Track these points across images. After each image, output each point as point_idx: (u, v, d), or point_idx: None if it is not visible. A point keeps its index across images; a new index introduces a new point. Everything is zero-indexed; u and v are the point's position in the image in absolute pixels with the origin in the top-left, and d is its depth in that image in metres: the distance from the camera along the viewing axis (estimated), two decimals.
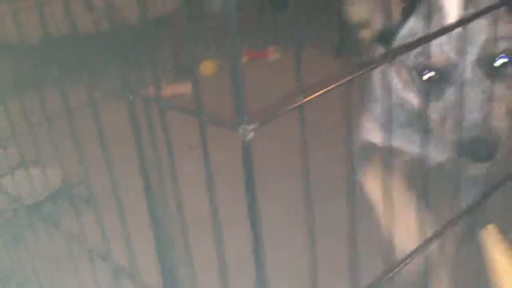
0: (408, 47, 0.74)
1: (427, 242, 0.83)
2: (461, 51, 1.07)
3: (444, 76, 1.11)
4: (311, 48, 3.41)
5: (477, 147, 1.01)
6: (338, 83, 0.63)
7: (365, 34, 1.20)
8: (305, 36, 3.49)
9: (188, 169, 1.57)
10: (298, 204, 0.71)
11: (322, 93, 0.61)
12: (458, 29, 1.02)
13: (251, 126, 0.55)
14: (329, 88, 0.62)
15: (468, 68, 1.08)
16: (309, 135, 0.63)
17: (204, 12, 3.99)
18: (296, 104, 0.59)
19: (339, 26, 3.20)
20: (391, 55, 0.71)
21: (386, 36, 1.20)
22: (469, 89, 1.07)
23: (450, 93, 1.11)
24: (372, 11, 1.17)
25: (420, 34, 1.06)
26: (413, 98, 1.25)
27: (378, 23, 1.18)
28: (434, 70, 1.11)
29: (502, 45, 1.09)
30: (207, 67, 3.42)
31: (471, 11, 1.03)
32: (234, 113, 0.55)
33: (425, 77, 1.13)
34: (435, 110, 1.14)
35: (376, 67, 0.69)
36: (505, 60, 1.11)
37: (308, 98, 0.60)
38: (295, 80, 0.59)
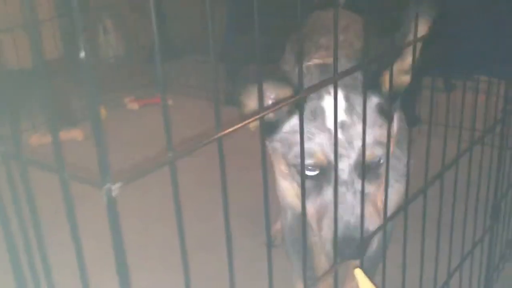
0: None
1: None
2: (340, 154, 1.11)
3: (323, 174, 1.15)
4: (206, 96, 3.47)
5: (348, 245, 1.07)
6: (208, 141, 0.64)
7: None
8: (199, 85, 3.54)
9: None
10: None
11: (193, 150, 0.62)
12: (341, 133, 1.13)
13: (116, 185, 0.54)
14: (199, 146, 0.63)
15: (346, 171, 1.13)
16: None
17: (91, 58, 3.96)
18: (165, 161, 0.59)
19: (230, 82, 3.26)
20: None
21: (269, 128, 1.21)
22: (345, 189, 1.13)
23: (327, 192, 1.15)
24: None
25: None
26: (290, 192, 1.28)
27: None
28: (315, 168, 1.15)
29: (377, 149, 1.15)
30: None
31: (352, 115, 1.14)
32: (98, 172, 0.54)
33: (309, 173, 1.15)
34: (314, 206, 1.17)
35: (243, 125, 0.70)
36: (377, 163, 1.17)
37: (179, 156, 0.60)
38: (165, 134, 0.59)
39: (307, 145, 1.11)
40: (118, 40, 4.52)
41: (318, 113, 1.15)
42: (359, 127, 1.12)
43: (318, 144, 1.13)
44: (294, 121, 1.17)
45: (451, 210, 1.35)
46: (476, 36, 2.71)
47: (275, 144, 1.22)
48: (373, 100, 1.17)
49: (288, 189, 1.29)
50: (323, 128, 1.14)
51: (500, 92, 1.70)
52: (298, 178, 1.19)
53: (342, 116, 1.13)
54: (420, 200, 1.13)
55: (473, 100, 1.42)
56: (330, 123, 1.13)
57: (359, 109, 1.13)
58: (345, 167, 1.12)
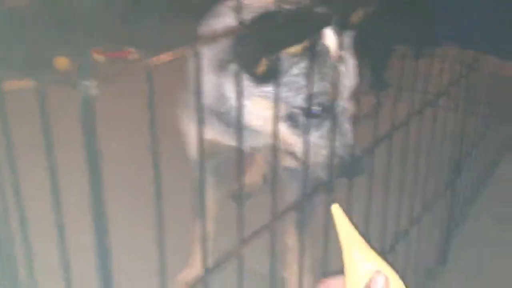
0: None
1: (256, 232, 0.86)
2: (340, 90, 1.21)
3: (327, 110, 1.21)
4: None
5: (355, 163, 1.16)
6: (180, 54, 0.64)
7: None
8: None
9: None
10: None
11: (170, 60, 0.61)
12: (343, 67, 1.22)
13: (93, 83, 0.53)
14: (175, 57, 0.63)
15: (343, 102, 1.23)
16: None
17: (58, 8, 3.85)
18: (144, 65, 0.58)
19: None
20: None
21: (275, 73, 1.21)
22: (342, 118, 1.23)
23: (327, 123, 1.22)
24: None
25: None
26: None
27: None
28: (323, 105, 1.21)
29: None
30: (61, 63, 3.31)
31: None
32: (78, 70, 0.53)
33: (315, 113, 1.21)
34: (311, 139, 1.23)
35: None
36: None
37: (155, 62, 0.59)
38: (146, 45, 0.59)
39: (321, 83, 1.18)
40: None
41: (324, 52, 1.20)
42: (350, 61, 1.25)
43: (331, 84, 1.19)
44: (303, 64, 1.19)
45: (415, 163, 1.38)
46: (446, 6, 2.75)
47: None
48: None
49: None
50: (330, 67, 1.20)
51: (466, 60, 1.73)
52: (301, 120, 1.22)
53: (338, 51, 1.20)
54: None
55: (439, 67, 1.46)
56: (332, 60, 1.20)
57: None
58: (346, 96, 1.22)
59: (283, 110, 1.23)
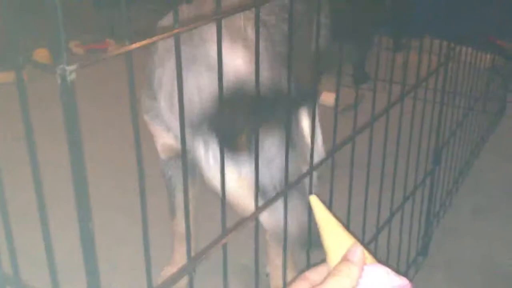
0: None
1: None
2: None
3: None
4: None
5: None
6: (166, 35, 0.63)
7: None
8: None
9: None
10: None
11: (149, 42, 0.60)
12: None
13: (71, 67, 0.52)
14: (154, 39, 0.61)
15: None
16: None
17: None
18: (123, 50, 0.57)
19: None
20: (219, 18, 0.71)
21: None
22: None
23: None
24: None
25: None
26: None
27: None
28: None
29: None
30: (42, 55, 3.28)
31: None
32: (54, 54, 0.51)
33: None
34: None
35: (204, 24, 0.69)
36: None
37: (135, 46, 0.58)
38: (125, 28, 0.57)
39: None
40: None
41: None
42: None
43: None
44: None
45: (395, 154, 1.38)
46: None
47: None
48: None
49: None
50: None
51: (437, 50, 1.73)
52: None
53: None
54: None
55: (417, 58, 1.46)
56: None
57: None
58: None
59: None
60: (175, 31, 0.63)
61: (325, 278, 0.69)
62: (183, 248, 1.62)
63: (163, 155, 1.55)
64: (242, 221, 0.84)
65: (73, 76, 0.52)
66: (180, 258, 1.73)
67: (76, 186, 0.55)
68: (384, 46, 3.02)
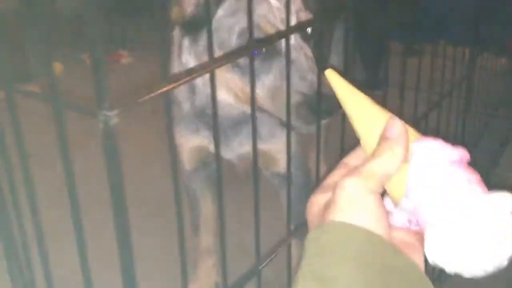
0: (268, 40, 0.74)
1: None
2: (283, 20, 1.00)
3: (271, 48, 1.12)
4: None
5: (319, 103, 0.98)
6: (196, 75, 0.62)
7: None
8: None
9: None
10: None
11: (187, 81, 0.60)
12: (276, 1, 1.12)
13: (113, 112, 0.51)
14: (193, 77, 0.61)
15: (292, 36, 1.10)
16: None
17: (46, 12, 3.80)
18: (161, 90, 0.57)
19: None
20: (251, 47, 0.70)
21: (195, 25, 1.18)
22: (296, 55, 1.10)
23: (279, 63, 1.12)
24: None
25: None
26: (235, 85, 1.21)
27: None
28: (262, 42, 1.09)
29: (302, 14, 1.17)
30: (54, 68, 3.29)
31: None
32: (95, 99, 0.51)
33: (255, 53, 1.07)
34: (264, 85, 1.14)
35: (237, 58, 0.69)
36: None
37: (174, 85, 0.58)
38: (160, 68, 0.57)
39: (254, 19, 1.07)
40: None
41: None
42: None
43: (261, 16, 1.10)
44: (226, 3, 1.14)
45: None
46: (438, 2, 2.75)
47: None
48: None
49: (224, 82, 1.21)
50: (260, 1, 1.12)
51: (457, 57, 1.71)
52: (242, 63, 1.13)
53: None
54: None
55: (431, 64, 1.43)
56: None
57: None
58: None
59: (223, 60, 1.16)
60: (211, 67, 0.63)
61: (364, 161, 0.60)
62: (206, 263, 1.62)
63: (188, 165, 1.52)
64: (276, 248, 0.84)
65: (115, 120, 0.52)
66: (205, 274, 1.72)
67: (118, 234, 0.55)
68: (396, 51, 2.99)
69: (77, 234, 0.60)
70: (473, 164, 1.82)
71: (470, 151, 1.65)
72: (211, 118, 1.15)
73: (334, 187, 0.59)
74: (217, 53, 1.08)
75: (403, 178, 0.59)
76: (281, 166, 1.39)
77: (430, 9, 2.71)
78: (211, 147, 1.37)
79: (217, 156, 0.71)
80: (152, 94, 0.55)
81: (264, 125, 1.35)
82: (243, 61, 1.10)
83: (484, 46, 2.00)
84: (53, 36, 0.50)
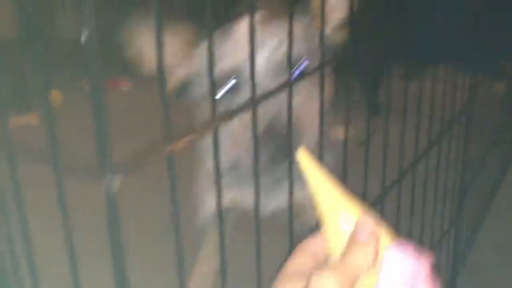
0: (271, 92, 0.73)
1: None
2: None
3: (237, 85, 1.09)
4: None
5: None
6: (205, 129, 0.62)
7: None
8: None
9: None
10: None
11: (191, 139, 0.59)
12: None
13: (117, 176, 0.51)
14: (194, 139, 0.61)
15: (262, 66, 1.07)
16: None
17: (47, 38, 3.82)
18: (166, 152, 0.56)
19: None
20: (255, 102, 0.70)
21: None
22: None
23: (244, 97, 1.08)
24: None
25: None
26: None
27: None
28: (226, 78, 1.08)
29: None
30: (53, 97, 3.28)
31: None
32: (98, 162, 0.51)
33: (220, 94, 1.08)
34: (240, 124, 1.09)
35: (241, 112, 0.68)
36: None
37: (178, 146, 0.57)
38: (162, 126, 0.57)
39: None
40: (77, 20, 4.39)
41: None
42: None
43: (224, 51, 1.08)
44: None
45: (422, 200, 1.36)
46: (437, 25, 2.76)
47: None
48: None
49: None
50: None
51: (457, 80, 1.70)
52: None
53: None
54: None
55: (431, 88, 1.42)
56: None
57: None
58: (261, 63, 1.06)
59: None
60: (214, 124, 0.62)
61: (333, 264, 0.60)
62: None
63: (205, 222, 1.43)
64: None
65: (118, 184, 0.51)
66: None
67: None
68: (396, 74, 2.98)
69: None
70: (476, 192, 1.78)
71: (472, 183, 1.59)
72: (244, 171, 1.15)
73: (303, 280, 0.59)
74: None
75: (372, 283, 0.59)
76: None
77: (427, 33, 2.72)
78: (246, 205, 1.30)
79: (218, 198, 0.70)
80: (156, 155, 0.55)
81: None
82: None
83: (483, 71, 2.00)
84: (51, 62, 0.49)
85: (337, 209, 0.62)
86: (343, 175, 0.92)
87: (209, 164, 1.27)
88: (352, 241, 0.60)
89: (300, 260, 0.64)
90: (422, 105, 1.24)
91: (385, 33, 1.11)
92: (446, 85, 1.51)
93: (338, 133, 2.75)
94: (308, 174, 0.63)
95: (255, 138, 0.69)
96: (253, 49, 0.65)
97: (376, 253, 0.59)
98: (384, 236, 0.61)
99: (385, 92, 2.97)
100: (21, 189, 0.60)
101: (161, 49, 0.55)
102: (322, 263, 0.62)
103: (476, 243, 2.11)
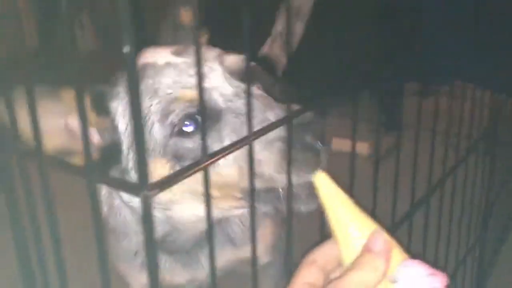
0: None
1: None
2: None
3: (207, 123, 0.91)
4: None
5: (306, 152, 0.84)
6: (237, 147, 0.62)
7: None
8: None
9: None
10: None
11: (225, 155, 0.59)
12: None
13: (153, 192, 0.51)
14: (230, 151, 0.60)
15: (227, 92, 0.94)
16: None
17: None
18: (199, 167, 0.56)
19: None
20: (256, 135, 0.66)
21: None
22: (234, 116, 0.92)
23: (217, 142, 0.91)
24: None
25: None
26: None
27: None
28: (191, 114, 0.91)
29: None
30: (68, 95, 3.30)
31: None
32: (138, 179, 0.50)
33: (186, 129, 0.90)
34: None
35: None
36: None
37: (212, 161, 0.57)
38: (202, 144, 0.56)
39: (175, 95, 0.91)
40: (94, 35, 4.44)
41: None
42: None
43: (175, 84, 0.93)
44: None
45: (449, 218, 1.34)
46: (455, 42, 2.74)
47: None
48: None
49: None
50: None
51: (475, 97, 1.67)
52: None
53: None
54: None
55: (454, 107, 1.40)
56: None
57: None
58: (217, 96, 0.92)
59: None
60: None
61: (345, 271, 0.60)
62: None
63: None
64: None
65: (153, 199, 0.51)
66: None
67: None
68: (412, 92, 2.95)
69: None
70: (501, 206, 1.74)
71: (495, 202, 1.56)
72: (172, 244, 1.07)
73: None
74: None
75: None
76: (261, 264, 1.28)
77: (445, 49, 2.70)
78: (177, 279, 1.22)
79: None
80: (191, 172, 0.55)
81: (237, 227, 1.22)
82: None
83: (501, 89, 1.98)
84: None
85: (351, 221, 0.63)
86: (351, 189, 0.89)
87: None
88: (365, 251, 0.61)
89: (309, 272, 0.64)
90: (446, 123, 1.23)
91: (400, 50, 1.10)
92: (471, 103, 1.49)
93: (359, 147, 2.73)
94: (324, 194, 0.66)
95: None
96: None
97: (387, 266, 0.60)
98: (397, 252, 0.62)
99: (403, 109, 2.94)
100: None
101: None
102: (331, 275, 0.63)
103: (498, 264, 2.07)
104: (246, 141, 0.63)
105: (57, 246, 0.61)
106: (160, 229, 1.06)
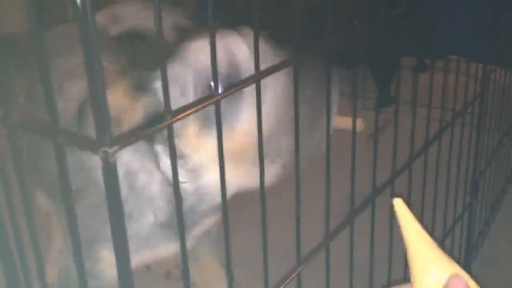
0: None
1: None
2: None
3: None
4: None
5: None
6: (204, 104, 0.61)
7: None
8: None
9: None
10: None
11: (191, 113, 0.58)
12: None
13: (114, 148, 0.49)
14: (197, 108, 0.60)
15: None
16: None
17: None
18: (163, 124, 0.55)
19: None
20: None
21: None
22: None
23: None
24: None
25: None
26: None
27: None
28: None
29: None
30: None
31: None
32: (96, 134, 0.49)
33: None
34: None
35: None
36: None
37: (177, 118, 0.56)
38: (164, 100, 0.55)
39: None
40: None
41: None
42: None
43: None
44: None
45: (433, 188, 1.34)
46: (451, 17, 2.72)
47: None
48: None
49: None
50: None
51: (470, 72, 1.67)
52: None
53: None
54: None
55: (443, 80, 1.40)
56: None
57: None
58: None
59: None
60: (215, 98, 0.61)
61: None
62: None
63: None
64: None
65: (115, 157, 0.50)
66: None
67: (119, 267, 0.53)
68: (407, 66, 2.94)
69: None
70: (489, 182, 1.77)
71: (485, 171, 1.58)
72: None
73: None
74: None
75: None
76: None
77: (441, 25, 2.68)
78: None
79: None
80: (154, 129, 0.54)
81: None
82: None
83: (497, 61, 1.96)
84: None
85: (429, 262, 0.63)
86: (352, 166, 0.92)
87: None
88: None
89: None
90: (433, 97, 1.22)
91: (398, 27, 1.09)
92: (459, 76, 1.48)
93: (346, 123, 2.73)
94: (403, 225, 0.65)
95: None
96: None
97: None
98: None
99: (396, 84, 2.93)
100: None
101: None
102: None
103: (489, 236, 2.08)
104: (253, 79, 0.65)
105: (28, 210, 0.60)
106: (187, 202, 1.04)
